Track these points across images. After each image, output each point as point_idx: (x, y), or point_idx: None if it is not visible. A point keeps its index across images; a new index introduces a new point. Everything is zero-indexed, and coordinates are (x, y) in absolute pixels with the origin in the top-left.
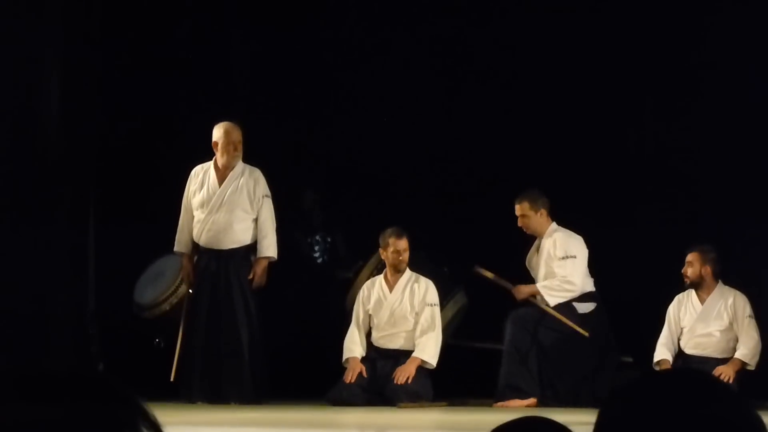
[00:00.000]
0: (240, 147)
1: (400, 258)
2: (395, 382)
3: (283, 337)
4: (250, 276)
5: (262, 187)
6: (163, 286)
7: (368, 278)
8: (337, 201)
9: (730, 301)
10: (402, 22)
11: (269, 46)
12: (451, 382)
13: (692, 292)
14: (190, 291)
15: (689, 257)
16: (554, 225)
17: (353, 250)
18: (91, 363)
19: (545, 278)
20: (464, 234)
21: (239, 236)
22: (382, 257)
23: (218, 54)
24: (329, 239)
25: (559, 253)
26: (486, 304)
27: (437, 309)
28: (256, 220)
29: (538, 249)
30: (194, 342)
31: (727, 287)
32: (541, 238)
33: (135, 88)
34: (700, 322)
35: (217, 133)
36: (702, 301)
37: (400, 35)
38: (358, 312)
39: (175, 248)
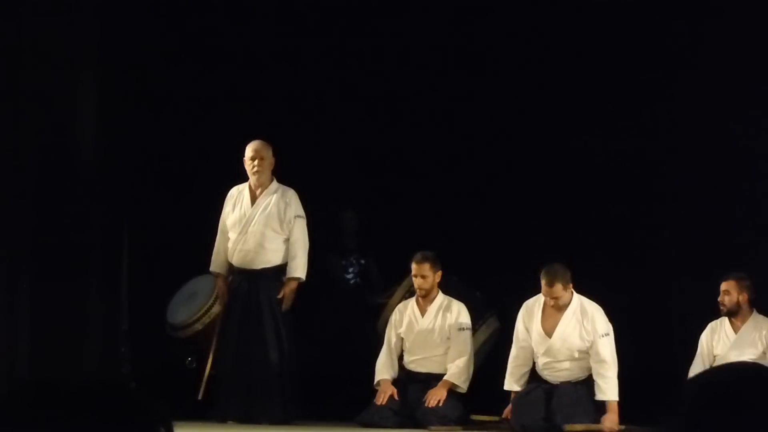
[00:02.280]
0: (261, 162)
1: (419, 282)
2: (426, 405)
3: (314, 358)
4: (280, 296)
5: (294, 207)
6: (195, 307)
7: (401, 301)
8: (373, 223)
9: (765, 330)
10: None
11: (309, 63)
12: (481, 407)
13: (725, 320)
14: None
15: (725, 286)
16: (576, 294)
17: (386, 274)
18: (123, 382)
19: (579, 353)
20: (498, 258)
21: (270, 257)
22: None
23: (255, 74)
24: (363, 261)
25: (602, 330)
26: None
27: (469, 333)
28: (288, 241)
29: (555, 317)
30: (225, 362)
31: (761, 316)
32: (563, 309)
33: (169, 109)
34: (734, 350)
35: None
36: (736, 329)
37: (447, 64)
38: (390, 335)
39: (211, 268)
